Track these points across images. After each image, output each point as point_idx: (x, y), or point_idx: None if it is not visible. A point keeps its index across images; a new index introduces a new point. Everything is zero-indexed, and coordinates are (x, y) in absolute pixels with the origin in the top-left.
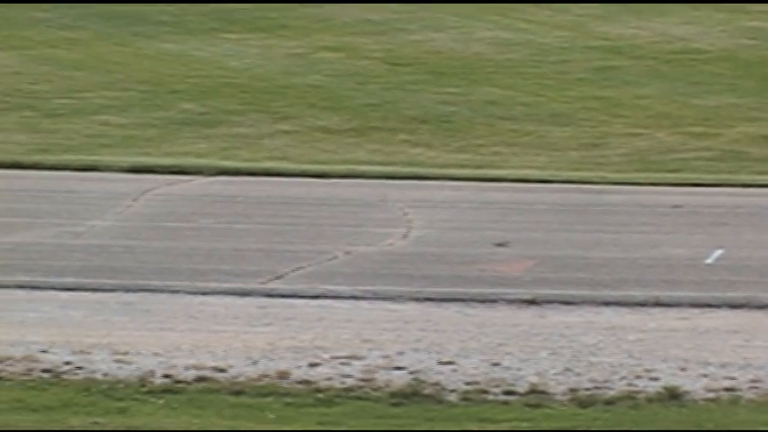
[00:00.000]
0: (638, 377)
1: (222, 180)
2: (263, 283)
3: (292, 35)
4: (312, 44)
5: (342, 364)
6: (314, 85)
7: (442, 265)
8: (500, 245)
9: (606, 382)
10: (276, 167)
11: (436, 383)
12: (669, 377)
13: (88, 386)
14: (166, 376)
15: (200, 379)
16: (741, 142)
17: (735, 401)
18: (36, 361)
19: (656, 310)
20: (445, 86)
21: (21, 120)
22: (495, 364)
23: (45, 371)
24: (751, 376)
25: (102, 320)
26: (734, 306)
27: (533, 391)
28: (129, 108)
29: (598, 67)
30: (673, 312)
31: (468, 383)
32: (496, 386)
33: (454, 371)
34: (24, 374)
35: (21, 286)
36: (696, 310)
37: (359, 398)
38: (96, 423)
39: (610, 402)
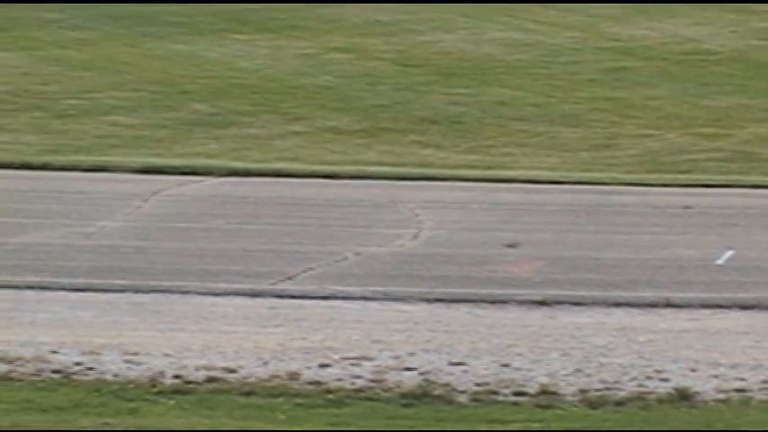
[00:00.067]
0: (649, 378)
1: (233, 181)
2: (273, 283)
3: (302, 36)
4: (322, 45)
5: (352, 364)
6: (324, 85)
7: (452, 266)
8: (510, 246)
9: (616, 382)
10: (286, 168)
11: (446, 384)
12: (680, 378)
13: (98, 387)
14: (177, 377)
15: (211, 379)
16: (752, 143)
17: (745, 402)
18: (46, 361)
19: (667, 310)
20: (455, 87)
21: (30, 120)
22: (506, 365)
23: (55, 371)
24: (762, 377)
25: (112, 321)
26: (744, 307)
27: (544, 391)
28: (139, 109)
29: (609, 68)
30: (683, 313)
31: (478, 384)
32: (507, 387)
33: (465, 372)
34: (34, 375)
35: (31, 287)
36: (707, 311)
37: (369, 399)
38: (107, 424)
39: (620, 403)
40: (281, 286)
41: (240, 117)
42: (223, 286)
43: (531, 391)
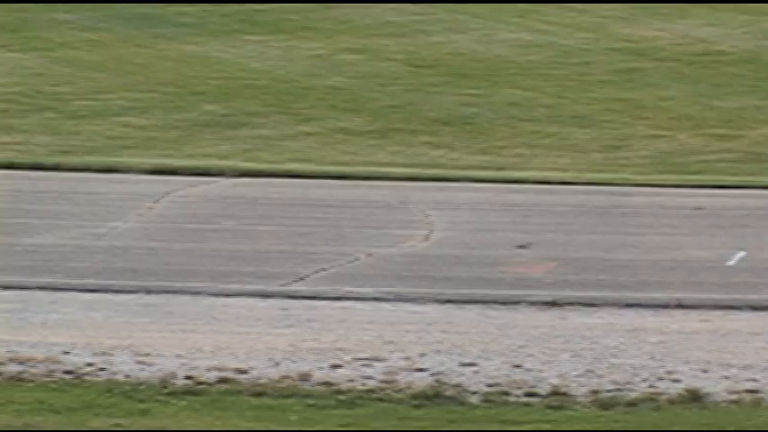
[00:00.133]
0: (660, 379)
1: (244, 182)
2: (284, 284)
3: (314, 37)
4: (334, 46)
5: (363, 365)
6: (336, 86)
7: (463, 267)
8: (522, 247)
9: (628, 383)
10: (298, 169)
11: (458, 385)
12: (691, 379)
13: (110, 387)
14: (188, 378)
15: (222, 380)
16: (763, 144)
17: (757, 403)
18: (58, 362)
19: (678, 312)
20: (467, 88)
21: (42, 121)
22: (517, 366)
23: (67, 372)
24: None
25: (123, 322)
26: (756, 308)
27: (555, 392)
28: (150, 110)
29: (620, 69)
30: (695, 314)
31: (489, 385)
32: (518, 388)
33: (476, 372)
34: (46, 376)
35: (42, 288)
36: (718, 312)
37: (381, 399)
38: (118, 424)
39: (631, 404)
40: (292, 287)
41: (252, 118)
42: (235, 287)
43: (542, 391)
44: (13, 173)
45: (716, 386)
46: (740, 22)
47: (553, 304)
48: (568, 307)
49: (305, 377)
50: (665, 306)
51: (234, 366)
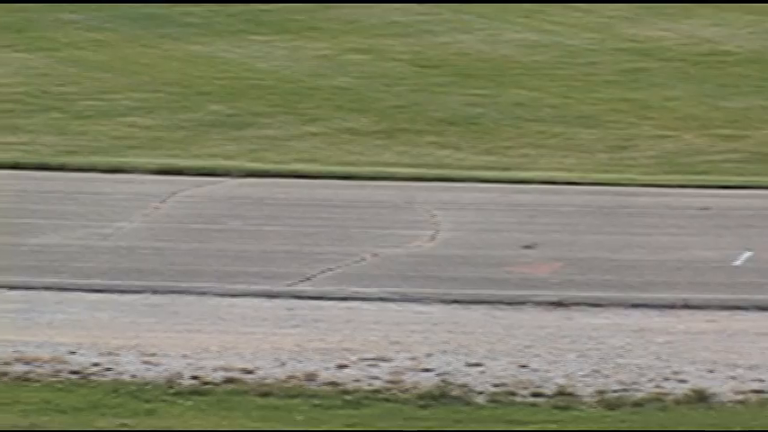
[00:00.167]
0: (666, 379)
1: (250, 182)
2: (290, 284)
3: (320, 37)
4: (340, 46)
5: (370, 365)
6: (342, 86)
7: (469, 267)
8: (528, 247)
9: (634, 384)
10: (304, 169)
11: (464, 385)
12: (697, 379)
13: (116, 387)
14: (194, 378)
15: (229, 380)
16: None
17: (763, 404)
18: (64, 362)
19: (685, 312)
20: (473, 88)
21: (48, 121)
22: (523, 366)
23: (73, 372)
24: None
25: (129, 322)
26: (762, 308)
27: (561, 392)
28: (156, 110)
29: (626, 69)
30: (701, 314)
31: (495, 385)
32: (524, 388)
33: (482, 373)
34: (52, 376)
35: (48, 288)
36: (724, 313)
37: (387, 400)
38: (124, 424)
39: (638, 404)
40: (298, 287)
41: (258, 118)
42: (241, 287)
43: (548, 392)
44: (19, 173)
45: (722, 386)
46: (746, 22)
47: (559, 304)
48: (574, 307)
49: (311, 377)
50: (672, 306)
51: (240, 366)
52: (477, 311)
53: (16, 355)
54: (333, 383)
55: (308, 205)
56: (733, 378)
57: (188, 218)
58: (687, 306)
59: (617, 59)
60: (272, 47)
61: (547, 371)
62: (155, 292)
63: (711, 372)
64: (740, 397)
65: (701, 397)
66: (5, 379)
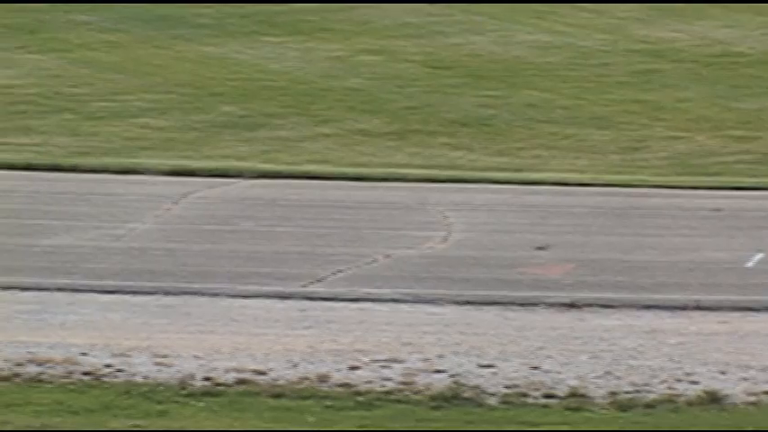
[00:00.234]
0: (679, 380)
1: (262, 183)
2: (303, 286)
3: (332, 38)
4: (352, 47)
5: (382, 367)
6: (354, 88)
7: (481, 269)
8: (540, 248)
9: (646, 385)
10: (316, 170)
11: (476, 387)
12: (709, 380)
13: (128, 389)
14: (207, 379)
15: (241, 382)
16: None
17: None
18: (76, 363)
19: (697, 313)
20: (485, 90)
21: (61, 122)
22: (535, 368)
23: (85, 373)
24: None
25: (142, 323)
26: None
27: (573, 394)
28: (169, 111)
29: (638, 71)
30: (713, 316)
31: (508, 387)
32: (536, 389)
33: (494, 374)
34: (65, 377)
35: (61, 289)
36: (737, 314)
37: (399, 401)
38: (137, 425)
39: (650, 406)
40: (310, 288)
41: (270, 119)
42: (253, 288)
43: (560, 393)
44: (32, 174)
45: (734, 388)
46: (758, 24)
47: (571, 306)
48: (587, 308)
49: (323, 378)
50: (684, 307)
51: (252, 368)
52: (490, 313)
53: (29, 356)
54: (345, 385)
55: (321, 206)
56: (745, 379)
57: (200, 219)
58: (699, 307)
59: (629, 61)
60: (284, 48)
61: (559, 372)
62: (167, 293)
63: (724, 373)
64: (752, 398)
65: (713, 398)
66: (18, 380)
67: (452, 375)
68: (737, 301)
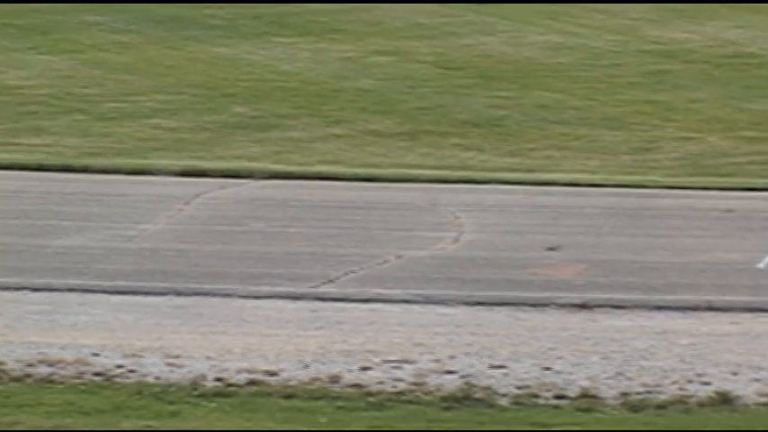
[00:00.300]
0: (690, 381)
1: (274, 184)
2: (314, 286)
3: (344, 39)
4: (364, 48)
5: (393, 367)
6: (365, 88)
7: (493, 269)
8: (551, 249)
9: (657, 386)
10: (328, 171)
11: (487, 387)
12: (721, 381)
13: (140, 389)
14: (218, 380)
15: (252, 382)
16: None
17: None
18: (88, 364)
19: (708, 314)
20: (497, 90)
21: (72, 123)
22: (547, 369)
23: (97, 374)
24: None
25: (153, 324)
26: None
27: (584, 395)
28: (180, 112)
29: (650, 71)
30: (725, 317)
31: (519, 387)
32: (547, 390)
33: (505, 375)
34: (76, 378)
35: (72, 290)
36: (748, 315)
37: (410, 402)
38: (149, 426)
39: (661, 407)
40: (322, 289)
41: (282, 120)
42: (264, 289)
43: (571, 394)
44: (43, 175)
45: (746, 389)
46: None
47: (582, 306)
48: (598, 309)
49: (335, 379)
50: (695, 308)
51: (264, 368)
52: (501, 313)
53: (40, 356)
54: (356, 385)
55: (332, 207)
56: (757, 380)
57: (212, 219)
58: (711, 308)
59: (641, 61)
60: (295, 49)
61: (570, 373)
62: (179, 293)
63: (735, 374)
64: (764, 399)
65: (724, 399)
66: (29, 380)
67: (463, 376)
68: (749, 302)
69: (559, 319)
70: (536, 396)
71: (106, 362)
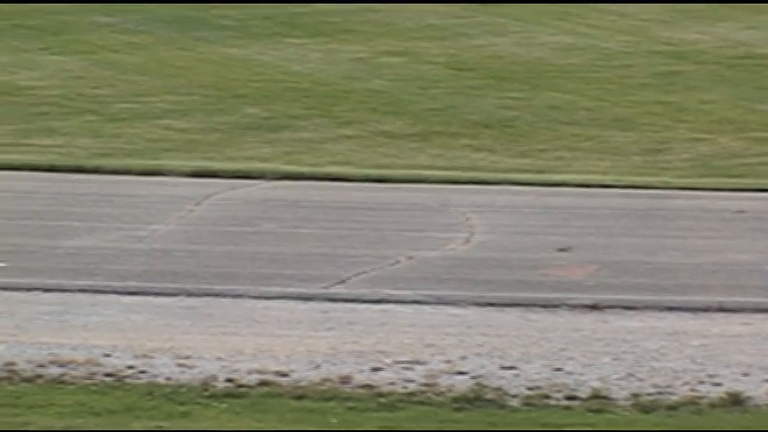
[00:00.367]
0: (701, 382)
1: (285, 184)
2: (325, 287)
3: (355, 40)
4: (375, 49)
5: (404, 368)
6: (376, 89)
7: (504, 270)
8: (562, 250)
9: (669, 387)
10: (339, 172)
11: (498, 388)
12: (732, 382)
13: (151, 390)
14: (229, 380)
15: (263, 383)
16: None
17: None
18: (99, 365)
19: (720, 315)
20: (508, 91)
21: (83, 124)
22: (558, 369)
23: (108, 375)
24: None
25: (164, 325)
26: None
27: (595, 396)
28: (191, 112)
29: (661, 72)
30: (736, 318)
31: (530, 388)
32: (558, 391)
33: (516, 376)
34: (87, 378)
35: (83, 290)
36: (760, 316)
37: (421, 402)
38: (159, 426)
39: (672, 408)
40: (333, 290)
41: (293, 121)
42: (276, 290)
43: (582, 395)
44: (54, 175)
45: (757, 390)
46: None
47: (594, 307)
48: (609, 310)
49: (345, 380)
50: (707, 309)
51: (275, 369)
52: (512, 314)
53: (51, 357)
54: (367, 386)
55: (343, 208)
56: None
57: (223, 220)
58: (722, 309)
59: (652, 62)
60: (306, 50)
61: (581, 374)
62: (190, 294)
63: (746, 375)
64: None
65: (735, 400)
66: (40, 381)
67: (475, 377)
68: (761, 303)
69: (570, 319)
70: (547, 397)
71: (117, 362)
